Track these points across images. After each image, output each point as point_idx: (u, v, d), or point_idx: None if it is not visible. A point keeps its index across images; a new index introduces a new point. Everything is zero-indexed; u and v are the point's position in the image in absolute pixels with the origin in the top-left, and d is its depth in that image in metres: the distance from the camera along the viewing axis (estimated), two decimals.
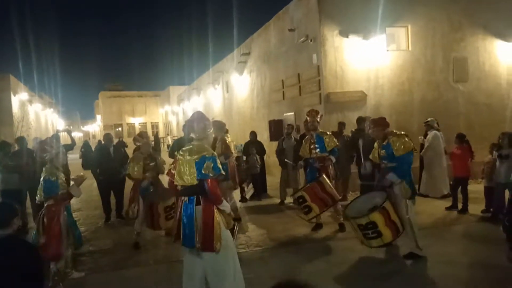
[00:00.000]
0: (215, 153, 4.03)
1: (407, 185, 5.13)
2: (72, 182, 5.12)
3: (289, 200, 8.72)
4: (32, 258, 2.99)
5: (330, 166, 6.76)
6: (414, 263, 5.14)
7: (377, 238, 5.06)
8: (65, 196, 4.89)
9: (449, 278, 4.64)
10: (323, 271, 5.03)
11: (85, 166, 11.51)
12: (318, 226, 6.83)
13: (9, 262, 2.87)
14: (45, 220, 4.76)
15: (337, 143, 6.86)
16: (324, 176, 6.42)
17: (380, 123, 5.42)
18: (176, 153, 4.23)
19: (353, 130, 8.75)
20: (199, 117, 4.20)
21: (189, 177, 3.88)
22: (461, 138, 7.62)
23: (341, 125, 9.00)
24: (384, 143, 5.32)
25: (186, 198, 3.97)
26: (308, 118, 6.85)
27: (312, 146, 6.75)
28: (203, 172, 3.84)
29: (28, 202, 8.06)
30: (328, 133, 6.97)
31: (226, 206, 4.01)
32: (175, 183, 4.05)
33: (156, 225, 6.28)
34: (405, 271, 5.00)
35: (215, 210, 3.91)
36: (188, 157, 3.94)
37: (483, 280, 4.58)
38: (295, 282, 1.09)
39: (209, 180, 3.84)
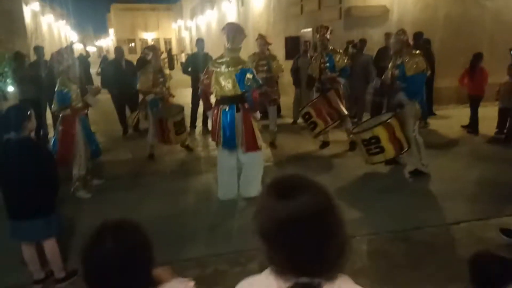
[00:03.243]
0: (249, 64, 4.59)
1: (419, 106, 5.09)
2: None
3: (302, 120, 8.72)
4: (44, 160, 3.15)
5: (341, 86, 6.62)
6: (418, 179, 5.27)
7: (379, 154, 5.14)
8: (79, 107, 4.99)
9: (453, 193, 4.79)
10: (327, 184, 5.17)
11: (104, 83, 10.91)
12: (325, 144, 6.89)
13: (23, 162, 3.03)
14: (60, 129, 4.97)
15: (347, 62, 6.61)
16: (332, 91, 6.30)
17: (404, 35, 5.20)
18: (209, 64, 4.66)
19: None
20: (235, 28, 4.51)
21: (232, 89, 4.38)
22: (478, 58, 7.35)
23: (363, 42, 8.65)
24: (399, 62, 5.18)
25: (226, 106, 4.48)
26: (317, 36, 6.58)
27: (322, 66, 6.56)
28: (246, 84, 4.37)
29: (48, 114, 8.28)
30: (339, 51, 6.75)
31: (258, 114, 4.72)
32: (214, 94, 4.54)
33: (167, 139, 6.43)
34: (409, 185, 5.16)
35: (251, 118, 4.54)
36: (225, 69, 4.39)
37: (488, 196, 4.71)
38: (293, 176, 1.09)
39: (253, 90, 4.43)
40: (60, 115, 5.02)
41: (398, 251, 3.63)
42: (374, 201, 4.69)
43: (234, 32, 4.44)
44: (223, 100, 4.49)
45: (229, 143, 4.54)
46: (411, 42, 5.35)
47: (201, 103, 8.30)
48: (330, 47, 6.59)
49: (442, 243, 3.74)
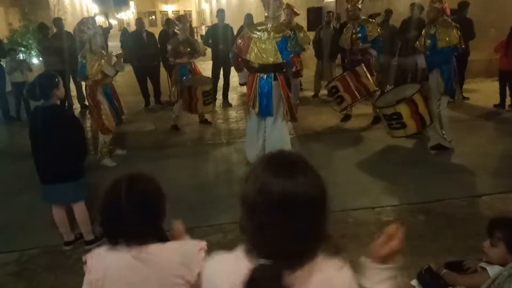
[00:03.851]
0: (293, 33, 4.56)
1: (442, 80, 4.92)
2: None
3: (323, 92, 8.65)
4: (72, 126, 3.25)
5: (372, 59, 6.43)
6: (441, 153, 5.20)
7: (400, 129, 5.09)
8: (99, 78, 5.02)
9: (476, 167, 4.74)
10: (349, 157, 5.23)
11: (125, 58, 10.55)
12: (347, 117, 6.82)
13: (52, 129, 3.15)
14: (89, 98, 5.13)
15: (380, 32, 6.39)
16: (362, 66, 6.13)
17: (440, 2, 4.90)
18: (246, 29, 4.69)
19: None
20: None
21: (273, 57, 4.37)
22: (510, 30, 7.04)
23: (388, 12, 8.40)
24: (432, 32, 4.95)
25: (263, 74, 4.49)
26: (348, 6, 6.39)
27: (354, 37, 6.36)
28: (288, 50, 4.36)
29: (72, 86, 8.43)
30: (371, 20, 6.55)
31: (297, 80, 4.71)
32: (251, 60, 4.49)
33: (194, 108, 6.49)
34: (431, 159, 5.11)
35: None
36: (266, 36, 4.37)
37: (509, 171, 4.63)
38: (294, 155, 1.06)
39: (293, 56, 4.42)
40: (84, 86, 5.17)
41: (418, 222, 3.64)
42: (395, 174, 4.68)
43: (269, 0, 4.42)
44: (261, 68, 4.49)
45: (265, 111, 4.61)
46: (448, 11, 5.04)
47: (221, 76, 8.45)
48: (362, 17, 6.40)
49: (463, 216, 3.73)
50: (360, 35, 6.29)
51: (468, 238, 3.26)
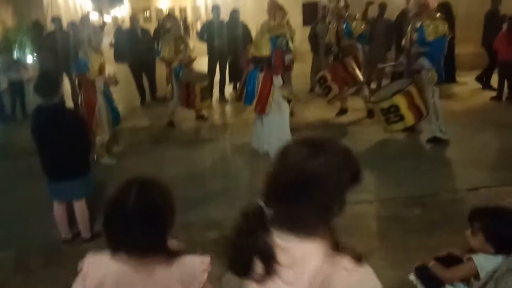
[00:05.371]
0: (287, 35, 5.04)
1: (435, 71, 4.97)
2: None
3: (318, 86, 8.63)
4: (78, 121, 3.29)
5: (359, 53, 6.49)
6: (436, 145, 5.23)
7: (399, 122, 5.12)
8: (98, 76, 5.01)
9: (472, 160, 4.75)
10: None
11: (116, 56, 9.76)
12: (342, 112, 6.84)
13: (58, 127, 3.16)
14: (82, 97, 5.09)
15: (364, 28, 6.48)
16: (350, 57, 6.20)
17: None
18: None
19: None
20: (275, 6, 4.99)
21: (264, 50, 4.80)
22: (510, 20, 7.06)
23: (382, 6, 8.39)
24: (418, 26, 5.01)
25: (253, 66, 4.91)
26: (331, 4, 6.58)
27: (340, 34, 6.46)
28: (277, 45, 4.76)
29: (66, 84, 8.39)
30: (355, 16, 6.62)
31: (279, 79, 4.94)
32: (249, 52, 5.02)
33: (191, 104, 6.48)
34: (426, 152, 5.16)
35: (272, 81, 4.84)
36: (266, 35, 4.85)
37: (505, 164, 4.64)
38: (314, 136, 1.09)
39: (277, 51, 4.74)
40: (77, 83, 5.13)
41: (413, 216, 3.66)
42: (391, 167, 4.70)
43: (275, 9, 4.95)
44: (253, 59, 4.95)
45: (249, 100, 5.00)
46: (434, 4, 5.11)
47: (217, 70, 8.45)
48: (347, 13, 6.48)
49: (458, 210, 3.72)
50: (345, 30, 6.40)
51: (462, 233, 3.27)
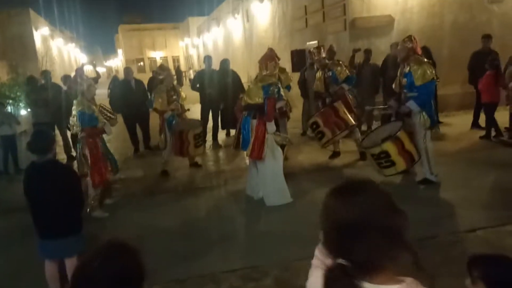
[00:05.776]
0: (279, 83, 5.20)
1: (427, 115, 5.07)
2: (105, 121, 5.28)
3: (311, 131, 8.74)
4: (72, 178, 3.24)
5: (349, 96, 6.65)
6: (428, 187, 5.23)
7: (390, 167, 5.10)
8: (101, 130, 5.10)
9: (466, 200, 4.74)
10: None
11: (112, 105, 10.29)
12: (335, 154, 6.90)
13: (52, 184, 3.13)
14: (85, 151, 5.03)
15: (348, 72, 6.68)
16: (340, 102, 6.34)
17: (410, 42, 5.13)
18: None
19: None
20: (267, 57, 5.23)
21: (257, 98, 4.92)
22: (490, 63, 7.32)
23: (368, 52, 8.71)
24: (406, 71, 5.15)
25: (246, 113, 5.03)
26: (315, 57, 6.90)
27: (327, 81, 6.67)
28: (269, 94, 4.88)
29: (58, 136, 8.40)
30: (339, 62, 6.85)
31: (272, 126, 4.99)
32: (243, 100, 5.12)
33: (185, 152, 6.50)
34: (421, 194, 5.13)
35: (266, 128, 4.92)
36: (259, 84, 4.99)
37: (502, 202, 4.64)
38: (357, 180, 1.20)
39: (269, 98, 4.87)
40: (80, 136, 5.07)
41: None
42: None
43: (266, 60, 5.16)
44: (246, 106, 5.05)
45: (245, 146, 5.08)
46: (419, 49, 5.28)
47: (210, 118, 8.56)
48: (329, 62, 6.76)
49: (458, 253, 3.67)
50: (331, 77, 6.64)
51: (464, 277, 3.20)
